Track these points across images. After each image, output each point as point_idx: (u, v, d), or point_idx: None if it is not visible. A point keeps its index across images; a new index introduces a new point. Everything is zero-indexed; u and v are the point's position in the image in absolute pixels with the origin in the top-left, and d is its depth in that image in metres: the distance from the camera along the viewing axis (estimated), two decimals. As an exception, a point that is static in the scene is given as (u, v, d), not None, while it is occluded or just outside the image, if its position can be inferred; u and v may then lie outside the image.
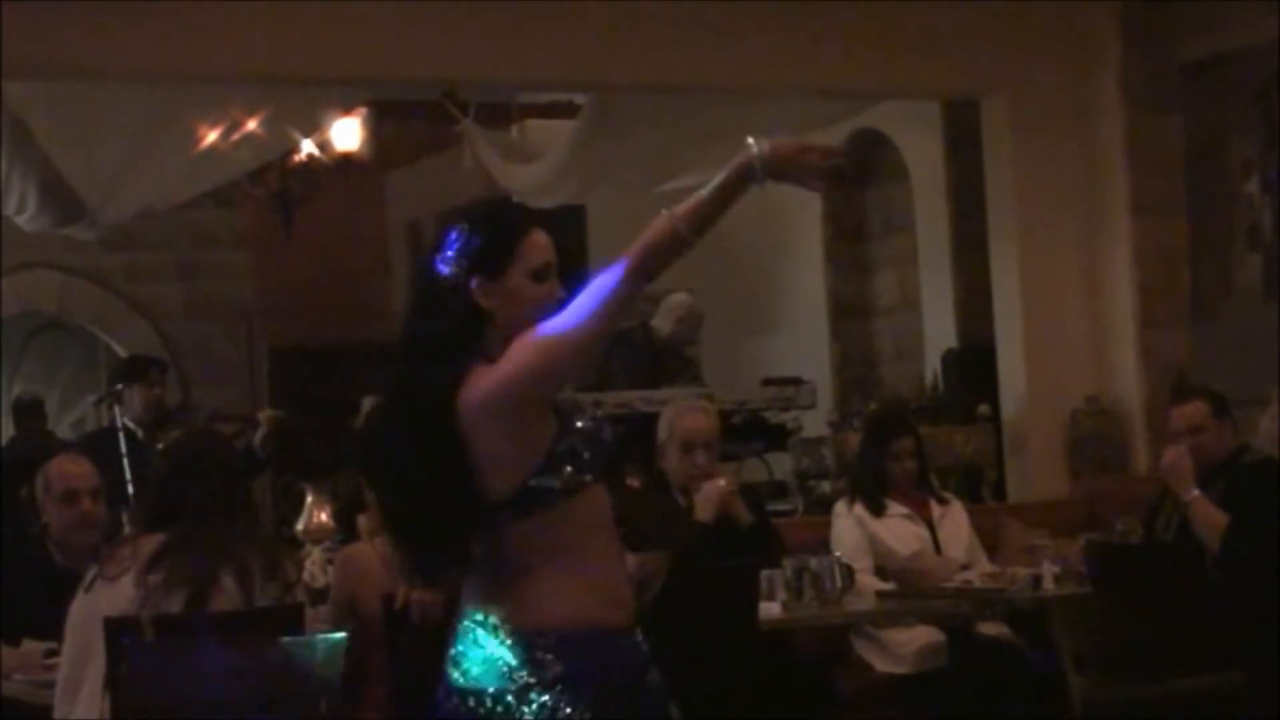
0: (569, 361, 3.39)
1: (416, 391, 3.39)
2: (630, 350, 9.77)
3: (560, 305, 3.43)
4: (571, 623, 3.36)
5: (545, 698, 3.32)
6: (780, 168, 3.35)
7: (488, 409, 3.34)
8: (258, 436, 8.41)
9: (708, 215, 3.37)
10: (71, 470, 6.00)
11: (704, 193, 3.37)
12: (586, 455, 3.41)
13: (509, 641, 3.34)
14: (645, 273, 3.39)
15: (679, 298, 9.87)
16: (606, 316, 3.38)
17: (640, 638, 3.47)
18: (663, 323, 9.88)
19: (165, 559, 4.83)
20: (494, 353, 3.37)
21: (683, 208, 3.36)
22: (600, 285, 3.37)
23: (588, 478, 3.40)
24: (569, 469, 3.37)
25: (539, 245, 3.56)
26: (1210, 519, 6.62)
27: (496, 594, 3.39)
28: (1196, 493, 6.68)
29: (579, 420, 3.46)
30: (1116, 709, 6.61)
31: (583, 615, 3.37)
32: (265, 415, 8.62)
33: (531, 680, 3.32)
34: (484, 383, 3.34)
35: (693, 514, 6.50)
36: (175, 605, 4.79)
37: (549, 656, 3.32)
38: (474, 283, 3.44)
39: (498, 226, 3.56)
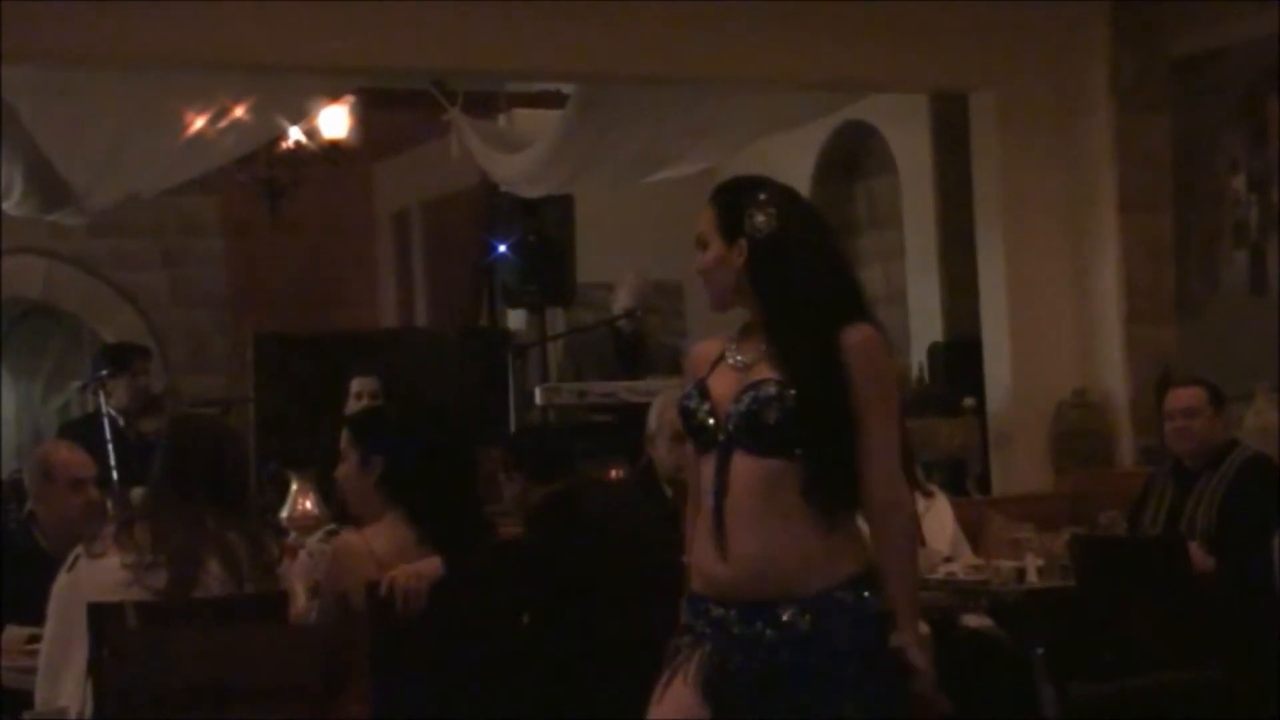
0: None
1: None
2: (595, 348, 9.79)
3: (703, 274, 3.94)
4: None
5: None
6: None
7: None
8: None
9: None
10: (75, 459, 6.00)
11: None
12: (708, 424, 3.86)
13: None
14: None
15: (627, 284, 9.83)
16: None
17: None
18: (625, 316, 9.85)
19: (150, 538, 4.83)
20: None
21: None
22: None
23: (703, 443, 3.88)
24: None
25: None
26: None
27: None
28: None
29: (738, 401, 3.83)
30: (1098, 702, 6.62)
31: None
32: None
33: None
34: None
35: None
36: (160, 582, 4.79)
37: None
38: None
39: None
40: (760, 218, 3.87)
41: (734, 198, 3.93)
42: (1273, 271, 8.79)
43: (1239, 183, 8.96)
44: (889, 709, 3.80)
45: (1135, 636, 6.57)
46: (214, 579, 4.84)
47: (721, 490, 3.81)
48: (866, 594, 3.83)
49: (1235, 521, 6.74)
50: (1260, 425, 8.02)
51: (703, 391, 3.90)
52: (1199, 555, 6.66)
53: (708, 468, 3.86)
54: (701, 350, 4.01)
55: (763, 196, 3.90)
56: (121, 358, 9.22)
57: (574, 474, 6.25)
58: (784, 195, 3.95)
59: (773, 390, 3.79)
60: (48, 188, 9.50)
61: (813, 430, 3.77)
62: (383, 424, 5.51)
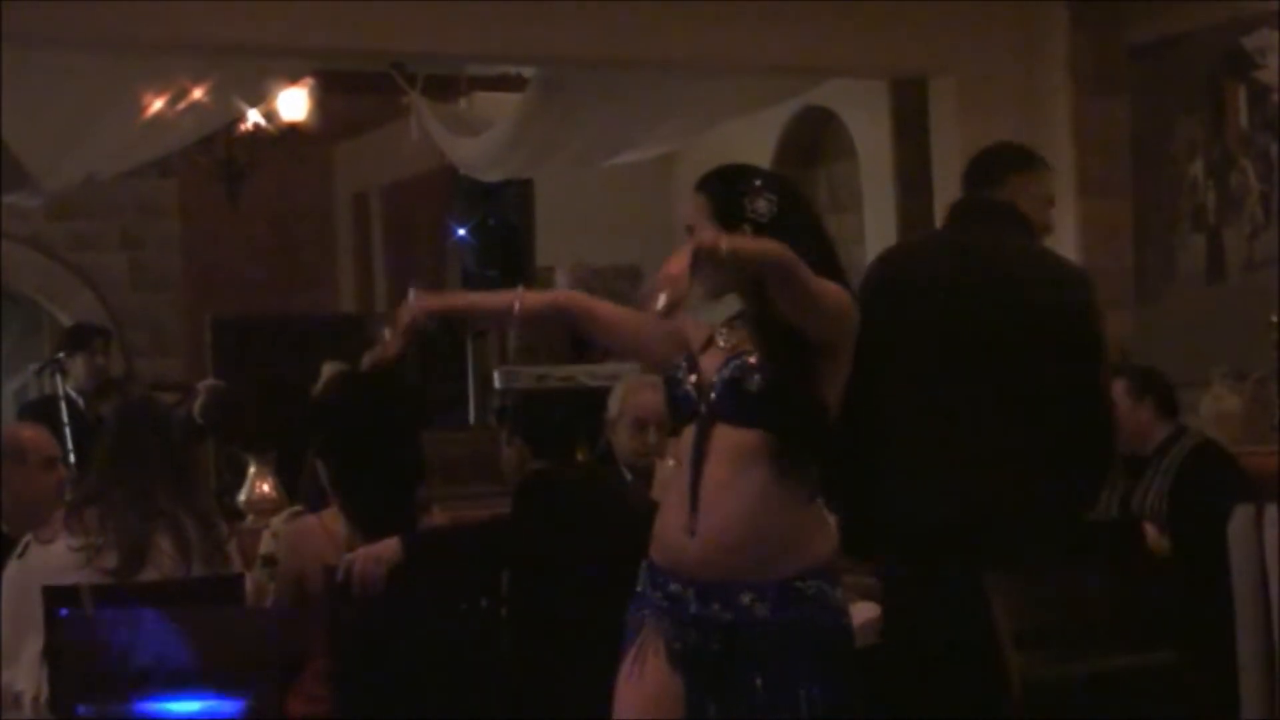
0: None
1: None
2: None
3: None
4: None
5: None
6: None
7: None
8: (197, 405, 8.37)
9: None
10: (44, 438, 5.97)
11: None
12: (690, 394, 3.91)
13: None
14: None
15: (565, 268, 9.84)
16: None
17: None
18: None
19: (99, 520, 4.83)
20: None
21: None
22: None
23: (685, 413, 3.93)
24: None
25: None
26: None
27: None
28: None
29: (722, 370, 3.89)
30: (1055, 686, 6.64)
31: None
32: (204, 385, 8.58)
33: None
34: None
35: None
36: (110, 562, 4.78)
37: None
38: None
39: None
40: (761, 202, 3.89)
41: (727, 185, 3.94)
42: (1230, 257, 8.83)
43: (1197, 168, 8.99)
44: (843, 700, 3.82)
45: (1091, 620, 6.59)
46: (165, 557, 4.84)
47: (699, 459, 3.84)
48: (827, 586, 3.85)
49: (1185, 508, 6.76)
50: (1218, 411, 8.05)
51: (691, 365, 3.95)
52: (1154, 536, 6.69)
53: (688, 437, 3.90)
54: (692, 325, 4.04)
55: (759, 183, 3.92)
56: (80, 338, 9.19)
57: (571, 454, 6.20)
58: (778, 180, 4.01)
59: (754, 360, 3.82)
60: (5, 169, 9.45)
61: (786, 401, 3.79)
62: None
